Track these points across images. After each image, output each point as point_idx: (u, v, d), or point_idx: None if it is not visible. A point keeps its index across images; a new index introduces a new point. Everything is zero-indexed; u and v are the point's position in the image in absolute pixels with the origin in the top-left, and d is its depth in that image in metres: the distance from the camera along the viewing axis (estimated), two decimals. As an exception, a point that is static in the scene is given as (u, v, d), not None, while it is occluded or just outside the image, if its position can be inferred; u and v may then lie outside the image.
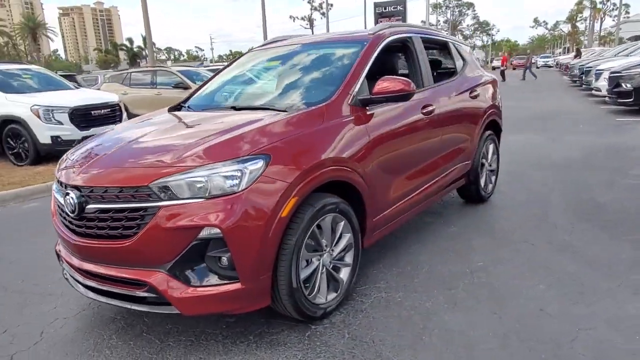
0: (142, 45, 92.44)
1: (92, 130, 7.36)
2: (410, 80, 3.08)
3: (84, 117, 7.87)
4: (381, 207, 3.16)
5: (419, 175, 3.60)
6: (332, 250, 2.78)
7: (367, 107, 3.08)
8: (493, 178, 4.96)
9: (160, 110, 3.68)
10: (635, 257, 3.35)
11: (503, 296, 2.91)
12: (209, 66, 23.47)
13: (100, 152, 2.67)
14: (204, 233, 2.26)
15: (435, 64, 4.65)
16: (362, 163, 2.90)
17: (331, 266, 2.78)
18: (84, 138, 4.90)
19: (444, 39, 4.50)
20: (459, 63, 4.54)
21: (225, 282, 2.32)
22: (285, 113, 2.83)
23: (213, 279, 2.33)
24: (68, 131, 7.63)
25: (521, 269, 3.27)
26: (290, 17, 55.47)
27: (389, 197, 3.24)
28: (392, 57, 3.93)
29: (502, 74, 28.45)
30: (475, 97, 4.42)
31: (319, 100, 2.96)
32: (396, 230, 4.02)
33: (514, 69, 42.37)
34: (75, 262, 2.60)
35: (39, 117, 7.48)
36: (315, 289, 2.67)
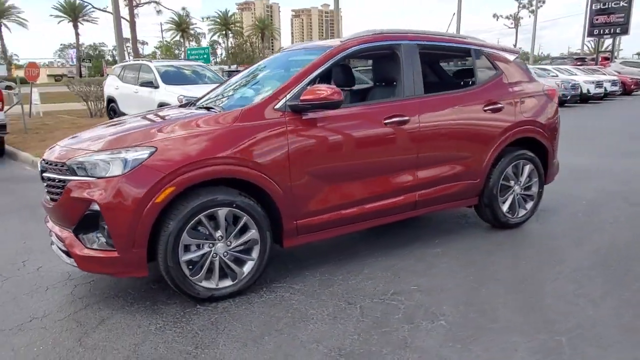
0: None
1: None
2: (337, 89, 3.08)
3: None
4: (308, 212, 3.24)
5: (377, 186, 3.50)
6: (230, 241, 3.02)
7: (302, 113, 3.18)
8: (529, 204, 4.35)
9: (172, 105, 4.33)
10: (597, 318, 2.73)
11: (387, 321, 2.74)
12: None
13: (67, 137, 3.42)
14: (95, 206, 2.78)
15: (441, 73, 4.32)
16: (275, 165, 3.04)
17: (227, 256, 3.02)
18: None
19: (464, 46, 4.11)
20: (483, 72, 4.12)
21: (108, 249, 2.81)
22: (207, 113, 3.17)
23: (102, 244, 2.84)
24: None
25: (443, 302, 2.97)
26: (494, 15, 52.21)
27: (321, 203, 3.28)
28: (380, 64, 3.84)
29: None
30: (497, 110, 3.97)
31: (248, 103, 3.20)
32: (373, 239, 4.00)
33: None
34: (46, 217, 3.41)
35: None
36: (202, 272, 2.95)
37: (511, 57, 4.32)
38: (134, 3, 22.55)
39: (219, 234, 2.97)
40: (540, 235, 4.13)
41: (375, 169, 3.49)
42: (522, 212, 4.32)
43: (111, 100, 11.50)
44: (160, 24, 65.09)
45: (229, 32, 72.64)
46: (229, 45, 76.02)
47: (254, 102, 3.16)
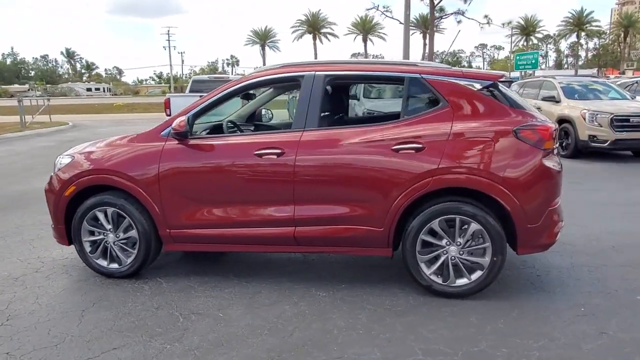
0: None
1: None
2: (182, 122, 3.49)
3: None
4: (179, 224, 3.74)
5: (250, 214, 3.61)
6: (118, 235, 3.88)
7: (188, 140, 3.67)
8: (476, 275, 3.38)
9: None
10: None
11: (139, 327, 3.07)
12: None
13: None
14: (52, 191, 4.16)
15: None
16: (147, 180, 3.70)
17: (115, 246, 3.90)
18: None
19: (396, 75, 3.50)
20: (416, 104, 3.45)
21: (53, 222, 4.12)
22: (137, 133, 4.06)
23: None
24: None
25: (201, 331, 3.02)
26: None
27: (192, 219, 3.70)
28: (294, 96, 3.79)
29: None
30: (417, 150, 3.31)
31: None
32: (302, 268, 4.13)
33: None
34: None
35: None
36: (97, 252, 3.93)
37: (477, 86, 3.41)
38: (435, 15, 23.71)
39: (109, 227, 3.88)
40: (459, 310, 3.22)
41: (245, 197, 3.62)
42: (461, 282, 3.42)
43: None
44: (511, 29, 63.72)
45: (582, 32, 65.19)
46: (588, 46, 68.41)
47: (151, 129, 3.88)
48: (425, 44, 66.05)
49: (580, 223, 5.22)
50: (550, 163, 3.34)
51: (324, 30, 66.96)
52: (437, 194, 3.37)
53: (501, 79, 3.49)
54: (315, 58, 69.16)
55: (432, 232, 3.40)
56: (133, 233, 3.83)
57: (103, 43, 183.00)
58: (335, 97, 3.92)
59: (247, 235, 3.67)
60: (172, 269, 4.17)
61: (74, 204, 3.90)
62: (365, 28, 64.34)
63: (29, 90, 73.67)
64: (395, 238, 3.50)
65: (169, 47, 79.12)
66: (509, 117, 3.35)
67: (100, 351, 2.86)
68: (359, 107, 10.28)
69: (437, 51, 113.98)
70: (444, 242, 3.41)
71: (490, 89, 3.42)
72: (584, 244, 4.58)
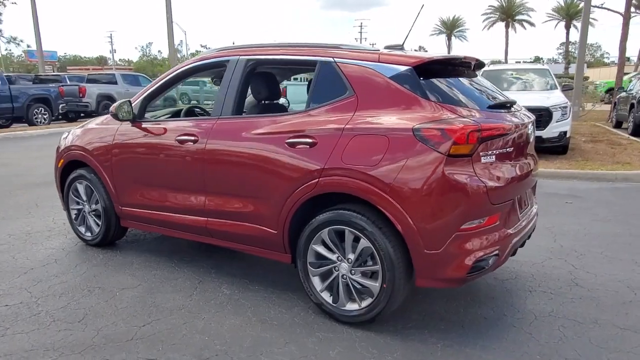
0: None
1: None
2: (113, 107, 3.64)
3: None
4: (126, 203, 3.95)
5: (174, 200, 3.61)
6: (90, 207, 4.27)
7: (141, 121, 3.84)
8: (366, 302, 2.80)
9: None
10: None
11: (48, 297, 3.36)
12: None
13: None
14: (63, 162, 4.76)
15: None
16: (104, 157, 3.98)
17: (90, 216, 4.29)
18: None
19: (310, 58, 3.00)
20: (324, 92, 2.93)
21: (63, 188, 4.73)
22: None
23: (66, 186, 4.79)
24: None
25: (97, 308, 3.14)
26: None
27: (135, 199, 3.87)
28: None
29: None
30: (310, 145, 2.86)
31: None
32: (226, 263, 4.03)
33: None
34: None
35: None
36: (78, 221, 4.39)
37: (390, 72, 2.76)
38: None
39: (85, 198, 4.29)
40: (334, 338, 2.71)
41: (169, 182, 3.62)
42: (352, 307, 2.87)
43: None
44: None
45: None
46: None
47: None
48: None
49: (643, 262, 3.87)
50: (463, 175, 2.54)
51: (519, 17, 60.89)
52: (345, 199, 2.85)
53: (420, 64, 2.75)
54: (506, 48, 64.00)
55: (324, 243, 2.92)
56: (99, 206, 4.16)
57: (311, 35, 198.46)
58: (261, 83, 3.59)
59: (170, 221, 3.68)
60: (143, 244, 4.42)
61: (68, 175, 4.40)
62: (570, 13, 56.42)
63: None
64: (293, 243, 3.10)
65: (360, 38, 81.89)
66: (418, 112, 2.64)
67: (-6, 305, 3.21)
68: None
69: None
70: (335, 256, 2.89)
71: (406, 76, 2.74)
72: (611, 290, 3.39)
